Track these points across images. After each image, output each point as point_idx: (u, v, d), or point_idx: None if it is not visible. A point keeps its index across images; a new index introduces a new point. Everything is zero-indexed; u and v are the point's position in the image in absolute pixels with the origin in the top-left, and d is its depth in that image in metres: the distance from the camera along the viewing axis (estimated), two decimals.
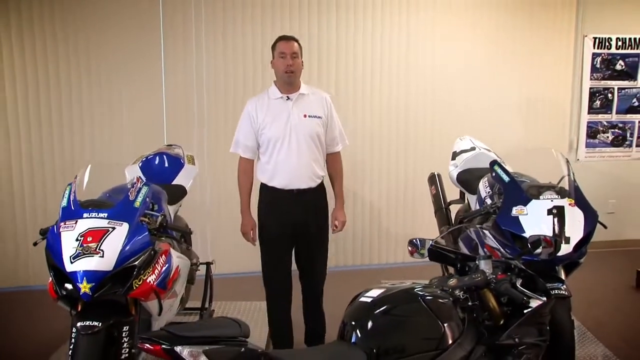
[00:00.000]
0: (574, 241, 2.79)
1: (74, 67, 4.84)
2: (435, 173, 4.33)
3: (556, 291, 2.77)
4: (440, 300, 2.06)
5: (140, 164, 3.72)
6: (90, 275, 2.32)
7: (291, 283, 3.48)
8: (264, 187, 3.37)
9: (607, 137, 5.79)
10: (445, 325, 1.98)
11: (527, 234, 2.83)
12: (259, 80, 5.03)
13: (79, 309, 2.44)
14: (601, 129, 5.77)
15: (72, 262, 2.34)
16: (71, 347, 2.38)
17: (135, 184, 2.71)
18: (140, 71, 4.98)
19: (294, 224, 3.33)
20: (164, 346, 1.60)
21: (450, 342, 1.98)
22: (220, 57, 5.06)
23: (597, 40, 5.63)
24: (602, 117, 5.76)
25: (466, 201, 4.05)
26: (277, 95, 3.28)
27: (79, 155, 4.93)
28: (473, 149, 4.10)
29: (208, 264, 3.85)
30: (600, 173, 5.80)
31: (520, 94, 5.54)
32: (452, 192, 4.21)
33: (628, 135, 5.82)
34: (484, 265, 2.18)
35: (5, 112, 4.80)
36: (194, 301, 3.71)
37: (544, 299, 2.16)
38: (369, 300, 2.07)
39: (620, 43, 5.65)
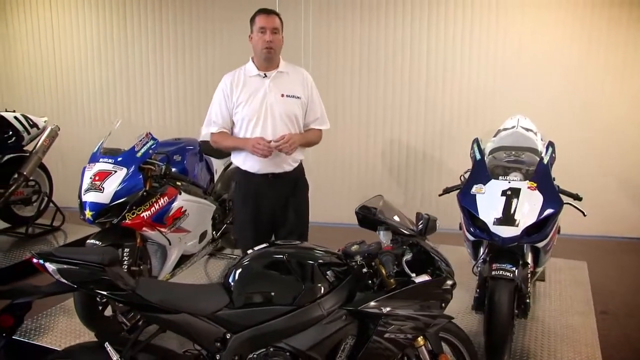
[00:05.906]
0: (523, 225, 2.68)
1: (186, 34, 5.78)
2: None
3: (501, 272, 2.74)
4: (307, 262, 2.10)
5: None
6: (92, 205, 2.89)
7: None
8: (238, 171, 3.06)
9: None
10: (305, 285, 2.04)
11: (479, 214, 2.79)
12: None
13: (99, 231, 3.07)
14: None
15: (84, 194, 2.93)
16: None
17: (143, 138, 3.16)
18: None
19: (271, 211, 3.02)
20: (40, 261, 1.79)
21: (308, 301, 2.02)
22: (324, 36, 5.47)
23: None
24: None
25: None
26: (254, 72, 2.93)
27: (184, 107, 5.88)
28: (513, 127, 3.94)
29: None
30: None
31: (613, 86, 5.13)
32: None
33: None
34: (383, 236, 2.23)
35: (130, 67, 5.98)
36: None
37: (426, 277, 2.14)
38: (251, 252, 2.18)
39: None
